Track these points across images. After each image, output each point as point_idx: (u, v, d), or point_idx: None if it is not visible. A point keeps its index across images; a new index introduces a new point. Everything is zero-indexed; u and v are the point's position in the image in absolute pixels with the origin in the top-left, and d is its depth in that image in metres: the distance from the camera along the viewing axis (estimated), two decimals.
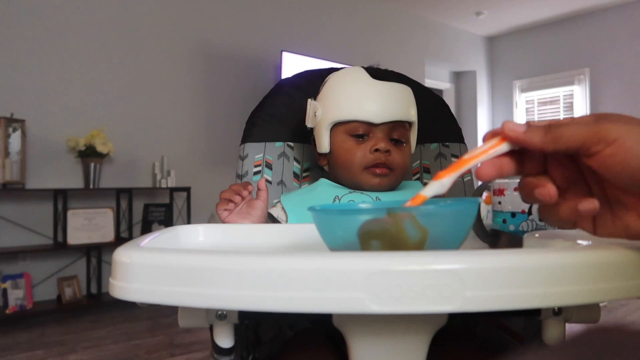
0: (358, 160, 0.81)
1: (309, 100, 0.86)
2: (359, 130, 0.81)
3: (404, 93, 0.84)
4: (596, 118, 0.36)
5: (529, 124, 0.38)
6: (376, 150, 0.80)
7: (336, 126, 0.83)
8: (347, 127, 0.82)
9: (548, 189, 0.38)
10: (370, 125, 0.81)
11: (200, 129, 3.54)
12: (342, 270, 0.37)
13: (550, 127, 0.37)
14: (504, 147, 0.39)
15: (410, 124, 0.85)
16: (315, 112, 0.84)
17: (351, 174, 0.82)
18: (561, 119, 0.42)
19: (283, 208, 0.82)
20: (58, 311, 2.74)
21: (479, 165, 0.40)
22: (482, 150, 0.40)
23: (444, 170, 0.41)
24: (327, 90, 0.85)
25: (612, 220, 0.38)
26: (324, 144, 0.84)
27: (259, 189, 0.78)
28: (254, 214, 0.77)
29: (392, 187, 0.85)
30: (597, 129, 0.35)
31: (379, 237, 0.46)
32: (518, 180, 0.43)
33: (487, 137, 0.41)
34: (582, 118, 0.37)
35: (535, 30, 5.48)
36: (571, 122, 0.37)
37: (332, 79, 0.86)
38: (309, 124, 0.86)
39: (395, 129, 0.82)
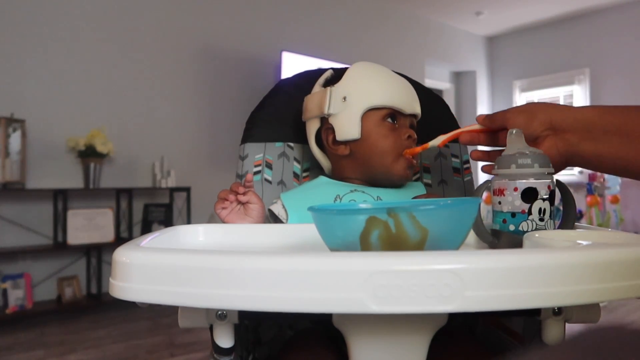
0: (393, 146, 0.82)
1: (329, 88, 0.85)
2: (393, 117, 0.84)
3: (414, 90, 0.89)
4: (511, 108, 0.66)
5: (486, 115, 0.70)
6: (409, 137, 0.83)
7: (368, 112, 0.83)
8: (381, 112, 0.83)
9: (489, 168, 0.69)
10: (400, 114, 0.84)
11: (200, 129, 3.54)
12: (342, 270, 0.37)
13: (489, 115, 0.69)
14: (475, 126, 0.73)
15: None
16: (345, 97, 0.83)
17: (384, 159, 0.82)
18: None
19: (283, 206, 0.81)
20: (58, 311, 2.75)
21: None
22: (466, 127, 0.74)
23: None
24: (356, 77, 0.85)
25: None
26: (354, 129, 0.82)
27: (247, 182, 0.77)
28: (250, 214, 0.77)
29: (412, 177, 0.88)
30: (505, 114, 0.66)
31: (379, 237, 0.46)
32: (518, 181, 0.56)
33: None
34: (505, 110, 0.67)
35: (535, 30, 5.48)
36: (498, 112, 0.68)
37: (358, 67, 0.86)
38: (330, 110, 0.83)
39: (413, 122, 0.87)
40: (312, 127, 0.89)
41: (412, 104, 0.85)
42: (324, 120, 0.86)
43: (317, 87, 0.89)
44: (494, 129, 0.69)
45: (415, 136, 0.84)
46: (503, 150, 0.69)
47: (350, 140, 0.83)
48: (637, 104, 0.59)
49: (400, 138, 0.82)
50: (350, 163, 0.86)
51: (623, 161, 0.57)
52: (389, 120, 0.83)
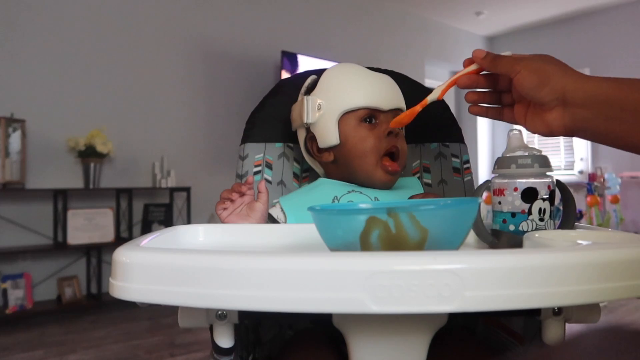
0: (374, 146, 0.81)
1: (305, 97, 0.85)
2: (370, 116, 0.82)
3: (396, 84, 0.87)
4: (521, 57, 0.60)
5: (487, 52, 0.63)
6: (390, 133, 0.81)
7: (344, 116, 0.83)
8: (358, 114, 0.82)
9: (479, 109, 0.70)
10: (378, 112, 0.83)
11: (200, 129, 3.54)
12: (342, 271, 0.37)
13: (495, 56, 0.61)
14: (472, 67, 0.65)
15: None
16: (319, 106, 0.83)
17: (366, 163, 0.82)
18: (506, 53, 0.63)
19: (282, 209, 0.81)
20: (58, 311, 2.74)
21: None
22: (462, 70, 0.66)
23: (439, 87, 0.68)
24: (328, 83, 0.85)
25: (535, 119, 0.61)
26: (332, 135, 0.83)
27: (259, 192, 0.78)
28: (253, 216, 0.77)
29: (396, 181, 0.86)
30: (514, 64, 0.59)
31: (379, 237, 0.46)
32: (518, 181, 0.56)
33: (465, 63, 0.66)
34: (516, 55, 0.60)
35: (535, 30, 5.49)
36: (508, 56, 0.60)
37: (331, 72, 0.86)
38: (309, 119, 0.84)
39: (395, 116, 0.84)
40: (301, 136, 0.90)
41: (391, 99, 0.83)
42: (308, 129, 0.87)
43: (300, 96, 0.89)
44: (496, 72, 0.64)
45: (398, 130, 0.82)
46: (499, 92, 0.67)
47: (331, 146, 0.84)
48: None
49: (379, 137, 0.81)
50: (336, 169, 0.86)
51: (634, 139, 0.55)
52: (367, 120, 0.82)
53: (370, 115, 0.82)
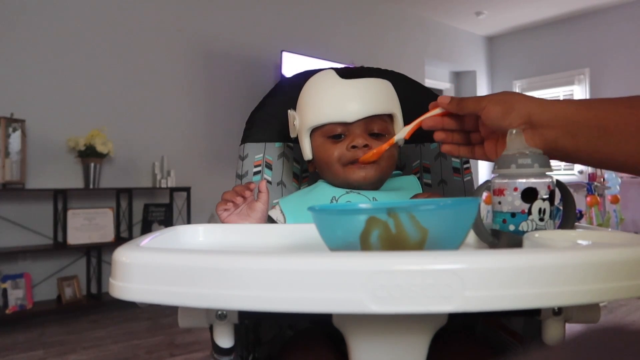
0: (336, 159, 0.81)
1: (289, 111, 0.87)
2: (336, 131, 0.81)
3: (379, 87, 0.83)
4: (485, 95, 0.63)
5: (452, 97, 0.66)
6: (353, 147, 0.80)
7: (314, 131, 0.84)
8: (323, 130, 0.82)
9: (450, 147, 0.71)
10: (346, 124, 0.81)
11: (200, 129, 3.54)
12: (342, 270, 0.37)
13: (460, 99, 0.65)
14: (437, 110, 0.68)
15: (390, 116, 0.85)
16: (295, 122, 0.85)
17: (335, 174, 0.82)
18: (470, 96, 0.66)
19: (281, 211, 0.82)
20: (58, 311, 2.74)
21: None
22: (427, 113, 0.70)
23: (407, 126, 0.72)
24: (301, 98, 0.86)
25: (497, 149, 0.65)
26: (306, 151, 0.85)
27: (259, 191, 0.78)
28: (253, 216, 0.77)
29: (381, 179, 0.84)
30: (479, 101, 0.62)
31: (379, 237, 0.46)
32: (518, 181, 0.57)
33: (431, 106, 0.69)
34: (480, 96, 0.63)
35: (535, 30, 5.48)
36: (472, 97, 0.64)
37: (304, 87, 0.86)
38: (291, 134, 0.87)
39: (373, 123, 0.82)
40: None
41: (359, 109, 0.79)
42: None
43: None
44: (463, 114, 0.67)
45: (366, 142, 0.80)
46: (467, 131, 0.70)
47: (309, 160, 0.87)
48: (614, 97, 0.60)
49: (343, 149, 0.81)
50: (322, 178, 0.88)
51: (600, 155, 0.57)
52: (332, 134, 0.82)
53: (336, 130, 0.82)
